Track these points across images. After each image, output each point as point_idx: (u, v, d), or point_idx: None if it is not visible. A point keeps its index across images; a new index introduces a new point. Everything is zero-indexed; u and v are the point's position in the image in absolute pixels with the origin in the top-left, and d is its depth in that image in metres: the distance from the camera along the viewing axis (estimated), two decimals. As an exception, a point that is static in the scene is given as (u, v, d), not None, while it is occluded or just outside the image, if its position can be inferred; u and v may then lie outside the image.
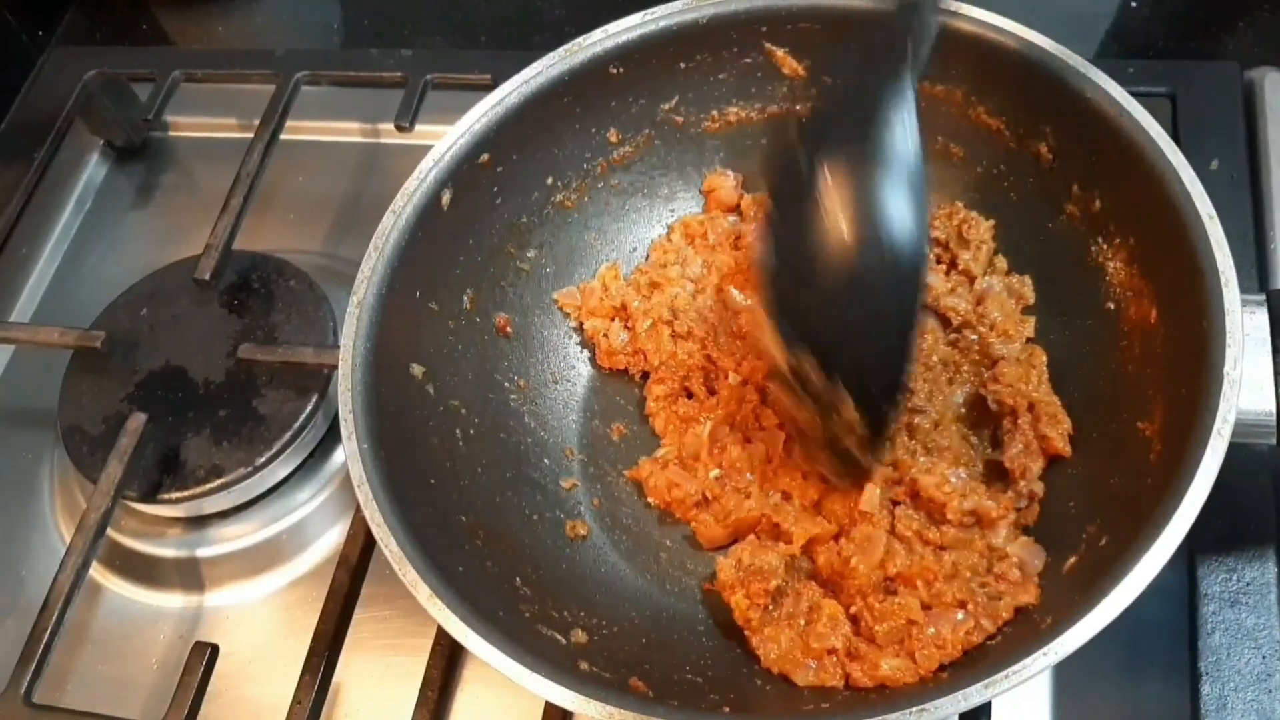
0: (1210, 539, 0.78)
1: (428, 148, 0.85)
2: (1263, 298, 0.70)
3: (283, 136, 1.09)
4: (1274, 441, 0.68)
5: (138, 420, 0.92)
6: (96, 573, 0.95)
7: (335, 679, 0.83)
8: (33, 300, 1.15)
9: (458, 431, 0.85)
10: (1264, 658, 0.75)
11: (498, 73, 1.03)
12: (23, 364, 1.10)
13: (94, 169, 1.23)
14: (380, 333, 0.79)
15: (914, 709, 0.60)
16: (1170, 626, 0.78)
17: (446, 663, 0.82)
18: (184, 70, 1.19)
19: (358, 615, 0.85)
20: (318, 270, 1.04)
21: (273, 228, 1.12)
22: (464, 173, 0.85)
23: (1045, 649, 0.60)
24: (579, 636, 0.76)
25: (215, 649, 0.82)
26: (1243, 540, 0.79)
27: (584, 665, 0.72)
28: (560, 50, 0.86)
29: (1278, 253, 0.91)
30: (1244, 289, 0.68)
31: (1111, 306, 0.79)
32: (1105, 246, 0.80)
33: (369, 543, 0.84)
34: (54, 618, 0.84)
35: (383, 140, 1.17)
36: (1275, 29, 1.08)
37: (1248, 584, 0.78)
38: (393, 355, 0.80)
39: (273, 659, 0.89)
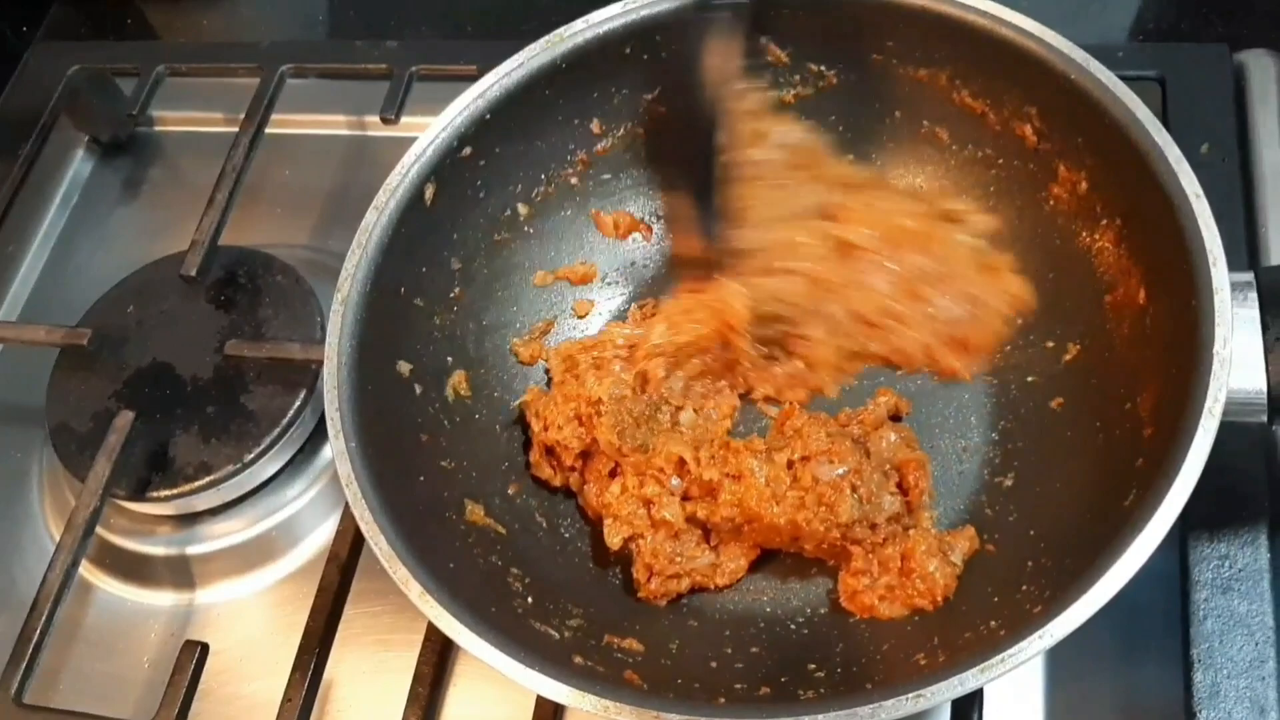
0: (1203, 525, 0.78)
1: (414, 139, 0.84)
2: (1251, 276, 0.69)
3: (268, 130, 1.09)
4: (1265, 419, 0.68)
5: (125, 418, 0.92)
6: (86, 571, 0.95)
7: (327, 675, 0.83)
8: (20, 298, 1.15)
9: (446, 425, 0.85)
10: (1257, 644, 0.75)
11: (484, 63, 1.01)
12: (10, 362, 1.10)
13: (79, 165, 1.22)
14: (365, 329, 0.78)
15: (911, 694, 0.60)
16: (1163, 613, 0.78)
17: (437, 659, 0.82)
18: (168, 64, 1.18)
19: (349, 611, 0.85)
20: (305, 264, 1.04)
21: (259, 222, 1.12)
22: (447, 166, 0.84)
23: (1040, 632, 0.60)
24: (572, 631, 0.76)
25: (205, 647, 0.82)
26: (1235, 526, 0.79)
27: (578, 659, 0.72)
28: (541, 41, 0.85)
29: (1269, 235, 0.90)
30: (1234, 269, 0.68)
31: (1101, 287, 0.79)
32: (1093, 227, 0.79)
33: (359, 539, 0.84)
34: (44, 617, 0.84)
35: (369, 132, 1.17)
36: (1265, 10, 1.07)
37: (1240, 570, 0.77)
38: (379, 351, 0.80)
39: (264, 656, 0.89)
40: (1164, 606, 0.78)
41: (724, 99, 0.84)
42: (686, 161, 0.88)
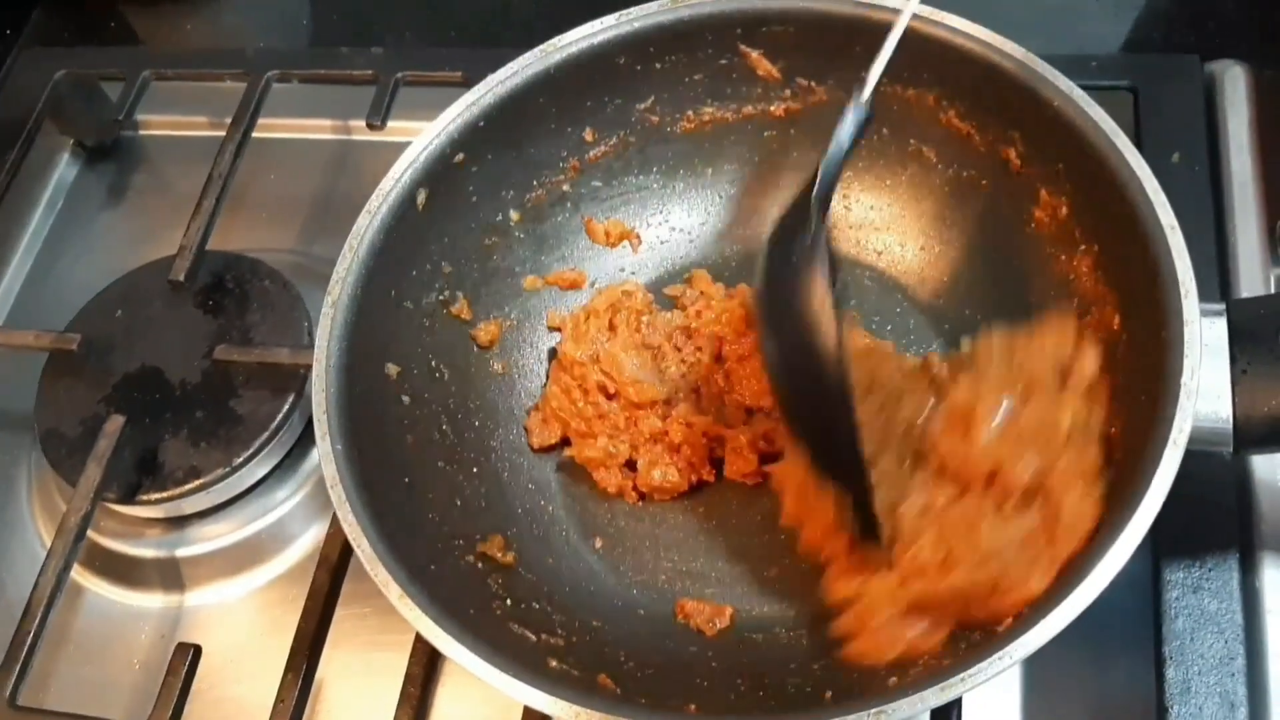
0: (1173, 526, 0.78)
1: (400, 145, 0.85)
2: (1222, 307, 0.71)
3: (254, 134, 1.09)
4: (1230, 450, 0.70)
5: (116, 423, 0.92)
6: (76, 574, 0.94)
7: (316, 676, 0.83)
8: (5, 303, 1.14)
9: (433, 431, 0.86)
10: (1226, 641, 0.77)
11: (469, 71, 1.04)
12: (-4, 366, 1.10)
13: (64, 169, 1.22)
14: (355, 333, 0.79)
15: (872, 710, 0.61)
16: (1135, 612, 0.80)
17: (428, 659, 0.83)
18: (154, 70, 1.18)
19: (338, 612, 0.85)
20: (291, 269, 1.04)
21: (245, 226, 1.12)
22: (439, 172, 0.85)
23: (1001, 653, 0.62)
24: (549, 634, 0.77)
25: (198, 650, 0.82)
26: (1205, 527, 0.81)
27: (553, 663, 0.73)
28: (536, 50, 0.86)
29: (1237, 242, 0.93)
30: (1205, 287, 0.69)
31: (1077, 311, 0.79)
32: (1071, 252, 0.80)
33: (349, 542, 0.84)
34: (36, 621, 0.84)
35: (354, 137, 1.17)
36: (1236, 21, 1.09)
37: (1210, 570, 0.79)
38: (367, 355, 0.81)
39: (253, 658, 0.89)
40: (1136, 605, 0.80)
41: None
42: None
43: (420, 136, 0.85)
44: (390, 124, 1.08)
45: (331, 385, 0.77)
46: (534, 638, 0.76)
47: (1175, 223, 0.70)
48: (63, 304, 1.05)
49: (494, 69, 0.87)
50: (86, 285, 1.06)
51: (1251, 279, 0.91)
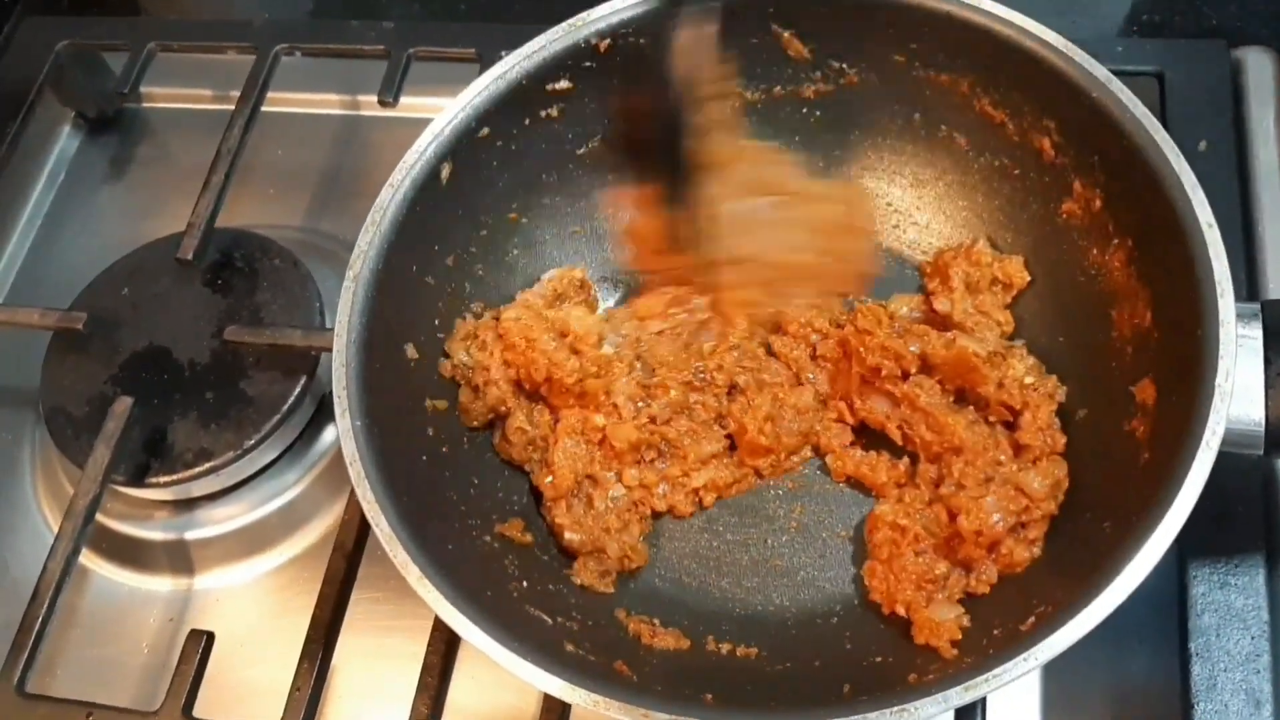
0: (1199, 523, 0.78)
1: (406, 120, 0.85)
2: (1257, 307, 0.70)
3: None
4: (1260, 452, 0.69)
5: (124, 404, 0.91)
6: (83, 556, 0.93)
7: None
8: (6, 279, 1.12)
9: (452, 409, 0.85)
10: (1252, 638, 0.77)
11: (482, 47, 1.02)
12: (-3, 342, 1.08)
13: (65, 141, 1.20)
14: (375, 308, 0.78)
15: (893, 709, 0.61)
16: (1161, 607, 0.79)
17: (446, 648, 0.81)
18: (159, 42, 1.14)
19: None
20: (298, 246, 1.02)
21: (251, 202, 1.10)
22: (463, 147, 0.83)
23: (1026, 654, 0.62)
24: (565, 618, 0.76)
25: (211, 636, 0.81)
26: (1231, 523, 0.80)
27: (570, 648, 0.72)
28: (563, 25, 0.84)
29: (1265, 238, 0.92)
30: (1234, 283, 0.68)
31: (1107, 306, 0.79)
32: (1104, 246, 0.79)
33: (364, 528, 0.83)
34: (45, 606, 0.83)
35: (362, 112, 1.15)
36: (1262, 6, 1.08)
37: (1236, 566, 0.79)
38: (387, 331, 0.80)
39: (265, 642, 0.88)
40: (1162, 601, 0.79)
41: (694, 95, 0.79)
42: (655, 155, 0.83)
43: (445, 110, 0.83)
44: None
45: (351, 361, 0.75)
46: (550, 620, 0.75)
47: (1213, 220, 0.69)
48: (65, 280, 1.03)
49: (507, 45, 0.86)
50: (89, 261, 1.04)
51: (1280, 272, 0.90)
